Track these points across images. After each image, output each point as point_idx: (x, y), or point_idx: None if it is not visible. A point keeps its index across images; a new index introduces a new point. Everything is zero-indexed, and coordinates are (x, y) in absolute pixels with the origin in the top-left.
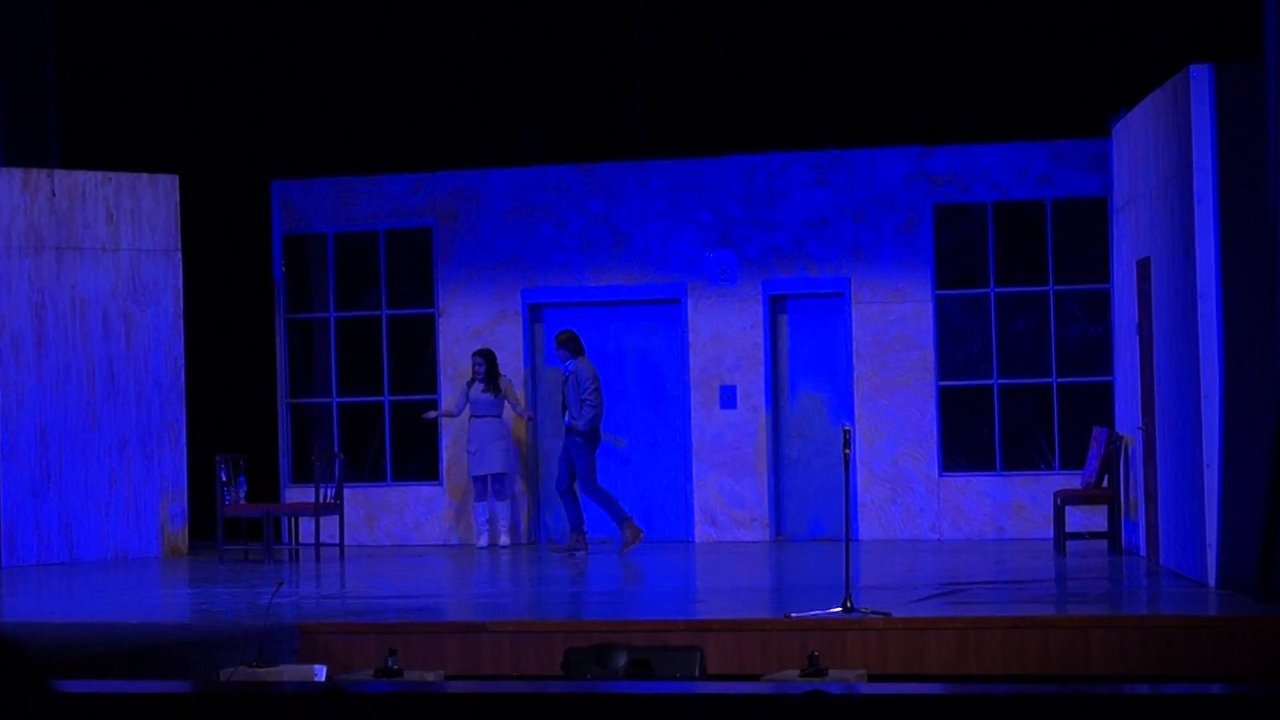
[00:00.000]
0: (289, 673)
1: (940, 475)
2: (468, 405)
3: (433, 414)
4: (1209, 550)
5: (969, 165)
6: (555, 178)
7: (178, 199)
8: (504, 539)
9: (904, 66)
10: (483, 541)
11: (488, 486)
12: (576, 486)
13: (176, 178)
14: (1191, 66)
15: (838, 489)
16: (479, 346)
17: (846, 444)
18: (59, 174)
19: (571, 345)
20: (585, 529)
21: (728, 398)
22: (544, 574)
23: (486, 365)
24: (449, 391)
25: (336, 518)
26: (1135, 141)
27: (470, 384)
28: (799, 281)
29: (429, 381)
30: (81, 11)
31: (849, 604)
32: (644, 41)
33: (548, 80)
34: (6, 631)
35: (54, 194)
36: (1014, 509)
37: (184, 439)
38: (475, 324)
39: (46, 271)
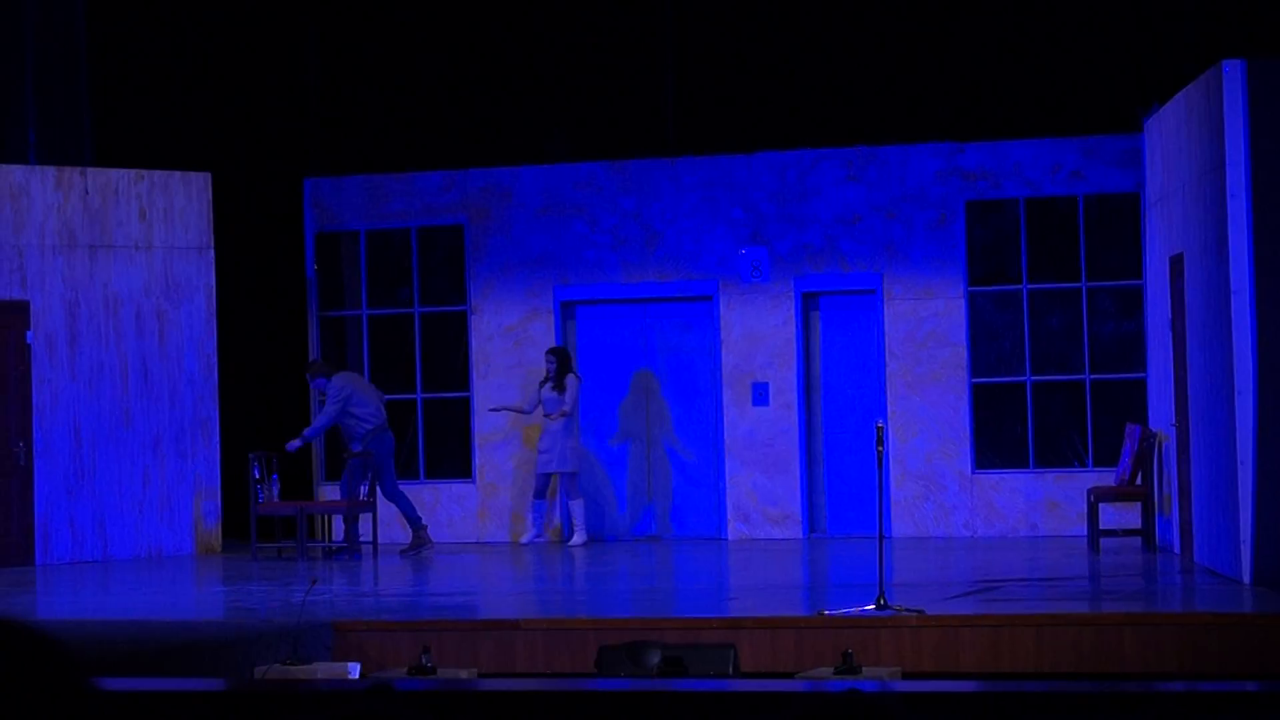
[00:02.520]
0: (323, 670)
1: (973, 472)
2: (539, 404)
3: (500, 406)
4: (1243, 547)
5: (1001, 161)
6: (587, 175)
7: (210, 197)
8: (580, 537)
9: (935, 62)
10: (527, 538)
11: (549, 485)
12: (388, 489)
13: (209, 175)
14: (1224, 61)
15: (870, 486)
16: (512, 344)
17: (880, 441)
18: (92, 172)
19: (323, 370)
20: (424, 523)
21: (760, 395)
22: (577, 571)
23: (557, 364)
24: (481, 390)
25: (370, 515)
26: (1168, 137)
27: (543, 383)
28: (831, 278)
29: (461, 379)
30: (114, 10)
31: (882, 601)
32: (675, 38)
33: (578, 77)
34: (47, 630)
35: (87, 192)
36: (1047, 506)
37: (217, 437)
38: (507, 321)
39: (80, 269)
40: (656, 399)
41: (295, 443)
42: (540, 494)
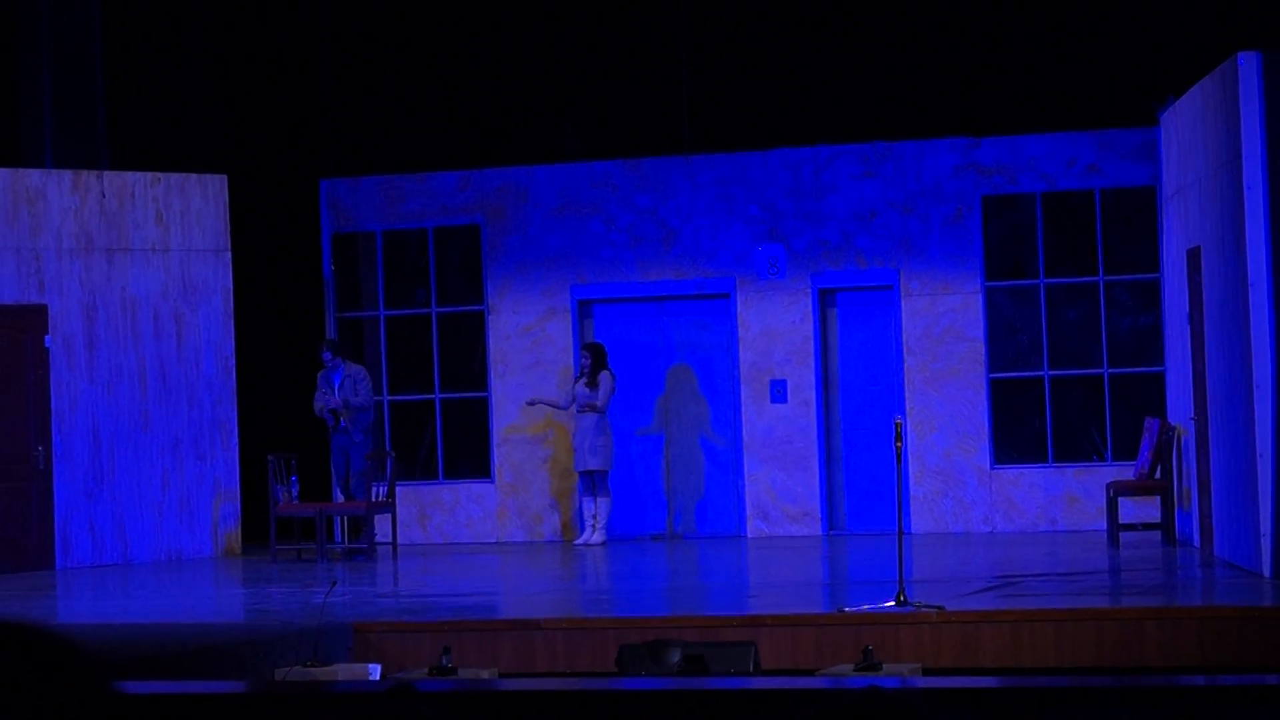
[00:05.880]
0: (343, 672)
1: (992, 467)
2: (574, 400)
3: (538, 399)
4: (1263, 540)
5: (1017, 156)
6: (602, 174)
7: (227, 199)
8: (598, 536)
9: (951, 57)
10: (581, 539)
11: (591, 482)
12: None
13: (225, 178)
14: (1240, 54)
15: (889, 482)
16: (529, 343)
17: (898, 437)
18: (108, 175)
19: (344, 352)
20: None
21: (778, 392)
22: (597, 570)
23: (592, 360)
24: (499, 389)
25: (389, 516)
26: (1184, 130)
27: (578, 379)
28: (848, 274)
29: (479, 379)
30: (129, 13)
31: (902, 598)
32: (689, 35)
33: (594, 76)
34: (67, 633)
35: (104, 195)
36: (1066, 501)
37: (236, 439)
38: (525, 321)
39: (97, 272)
40: (674, 397)
41: (337, 401)
42: (586, 491)
